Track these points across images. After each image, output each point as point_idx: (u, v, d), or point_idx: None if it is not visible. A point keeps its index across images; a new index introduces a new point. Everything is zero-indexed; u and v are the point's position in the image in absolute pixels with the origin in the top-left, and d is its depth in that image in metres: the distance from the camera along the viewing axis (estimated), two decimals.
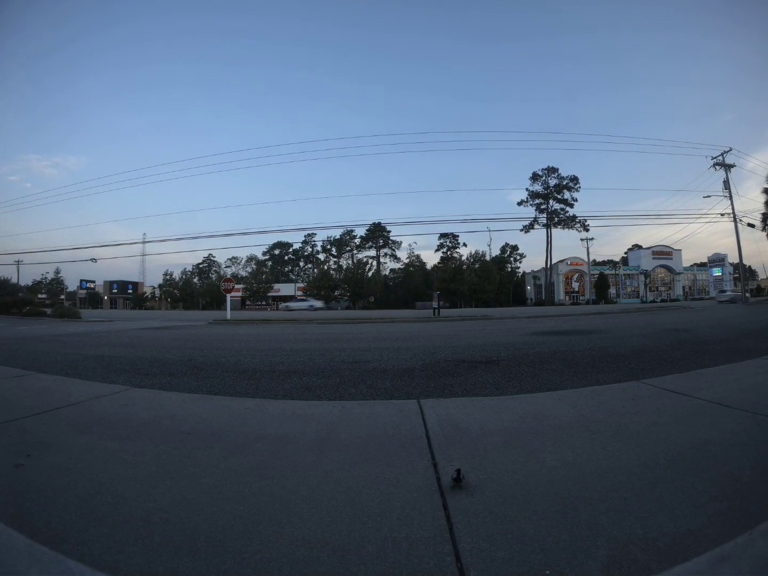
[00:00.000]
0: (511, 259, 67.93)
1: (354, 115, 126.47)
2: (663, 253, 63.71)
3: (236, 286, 44.73)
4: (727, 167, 31.86)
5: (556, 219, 57.44)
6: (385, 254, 69.97)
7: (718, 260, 66.82)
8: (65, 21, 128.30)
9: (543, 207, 57.77)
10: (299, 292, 59.95)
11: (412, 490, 1.58)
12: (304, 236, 71.96)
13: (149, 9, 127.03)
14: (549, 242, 58.09)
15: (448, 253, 66.90)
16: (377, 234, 65.01)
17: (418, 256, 69.16)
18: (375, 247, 69.42)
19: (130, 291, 72.04)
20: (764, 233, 33.60)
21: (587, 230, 55.09)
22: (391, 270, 68.54)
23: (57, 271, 78.80)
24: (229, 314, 19.52)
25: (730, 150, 32.30)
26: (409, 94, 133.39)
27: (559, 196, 57.40)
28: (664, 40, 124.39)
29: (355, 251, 70.56)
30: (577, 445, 2.01)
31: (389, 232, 63.48)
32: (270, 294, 62.13)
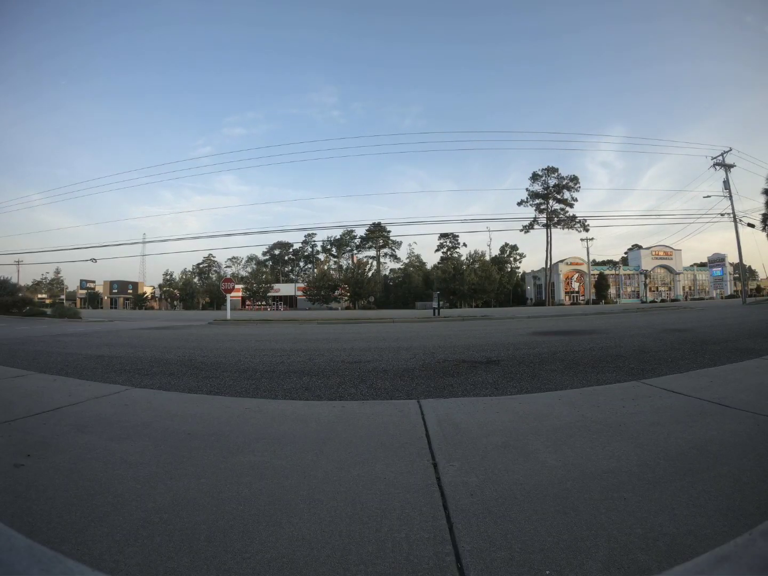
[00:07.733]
0: (511, 259, 68.07)
1: (353, 112, 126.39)
2: (663, 253, 63.78)
3: (236, 286, 44.78)
4: (727, 167, 31.85)
5: (555, 219, 57.51)
6: (385, 254, 70.14)
7: (718, 260, 66.84)
8: (61, 19, 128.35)
9: (543, 207, 57.89)
10: (299, 292, 60.11)
11: (412, 490, 1.58)
12: (305, 236, 72.16)
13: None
14: (549, 242, 58.20)
15: (448, 253, 66.98)
16: (377, 234, 65.06)
17: (418, 256, 69.34)
18: (375, 247, 69.53)
19: (130, 291, 72.04)
20: (764, 233, 33.60)
21: (587, 230, 55.26)
22: (391, 270, 68.74)
23: (57, 271, 79.10)
24: (229, 314, 19.55)
25: (730, 150, 32.34)
26: (409, 94, 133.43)
27: (558, 196, 57.52)
28: (664, 39, 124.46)
29: (355, 251, 70.70)
30: (577, 445, 2.01)
31: (389, 232, 63.58)
32: (270, 294, 62.19)
